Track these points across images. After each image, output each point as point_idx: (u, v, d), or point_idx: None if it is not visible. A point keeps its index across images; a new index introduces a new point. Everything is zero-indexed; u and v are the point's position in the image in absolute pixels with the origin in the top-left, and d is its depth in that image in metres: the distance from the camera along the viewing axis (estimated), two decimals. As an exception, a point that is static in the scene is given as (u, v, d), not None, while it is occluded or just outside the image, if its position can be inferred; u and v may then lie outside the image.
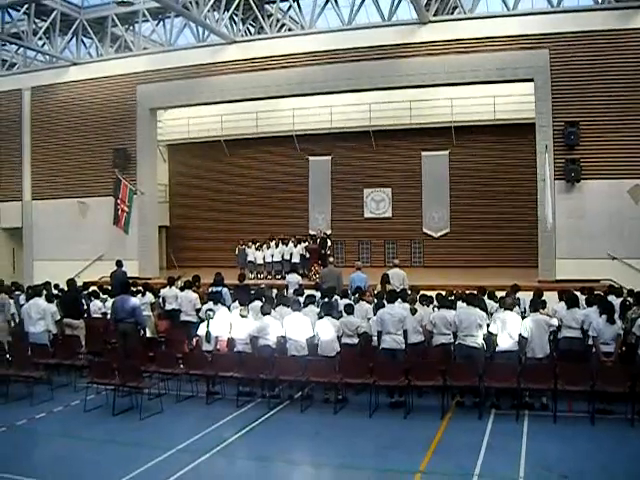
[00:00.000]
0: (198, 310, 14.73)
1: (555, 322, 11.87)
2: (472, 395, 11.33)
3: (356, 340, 12.46)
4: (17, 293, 16.22)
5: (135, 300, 13.63)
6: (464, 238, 27.69)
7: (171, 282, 16.45)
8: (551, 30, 21.17)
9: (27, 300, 14.58)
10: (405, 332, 11.78)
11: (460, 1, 23.28)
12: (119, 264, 19.59)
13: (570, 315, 11.95)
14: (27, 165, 28.35)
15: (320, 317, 12.37)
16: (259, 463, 9.32)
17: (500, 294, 14.32)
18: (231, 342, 12.69)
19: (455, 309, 12.51)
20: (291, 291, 17.35)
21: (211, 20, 24.11)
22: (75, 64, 27.55)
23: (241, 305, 13.11)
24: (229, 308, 13.92)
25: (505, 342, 11.31)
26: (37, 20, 26.02)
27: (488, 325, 11.57)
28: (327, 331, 12.04)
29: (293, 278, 19.86)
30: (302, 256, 24.49)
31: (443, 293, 14.23)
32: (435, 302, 13.50)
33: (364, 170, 29.18)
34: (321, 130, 28.99)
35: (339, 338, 12.22)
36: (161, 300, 16.21)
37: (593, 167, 20.82)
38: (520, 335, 11.18)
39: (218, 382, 12.49)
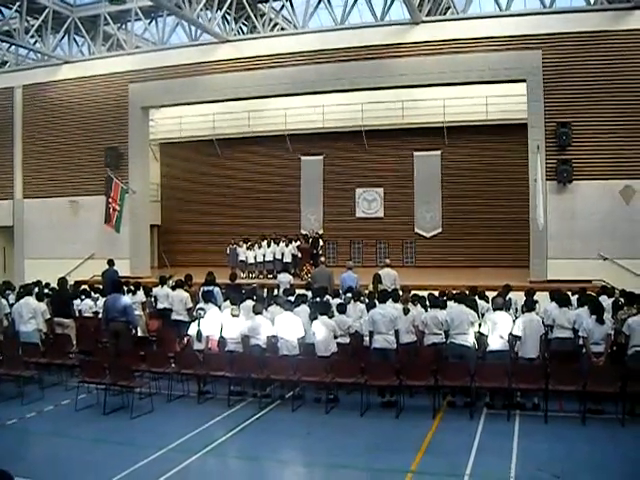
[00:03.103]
0: (189, 309, 14.71)
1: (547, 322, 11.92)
2: (463, 395, 11.34)
3: (348, 339, 12.48)
4: (7, 292, 16.17)
5: (126, 299, 13.57)
6: (456, 238, 27.76)
7: (163, 281, 16.43)
8: (544, 31, 21.23)
9: (18, 299, 14.53)
10: (397, 332, 11.78)
11: (453, 1, 23.33)
12: (110, 263, 19.55)
13: (562, 315, 12.01)
14: (18, 163, 28.25)
15: (314, 318, 12.32)
16: (250, 462, 9.32)
17: (492, 294, 14.31)
18: (222, 341, 12.66)
19: (446, 308, 12.52)
20: (282, 291, 17.33)
21: (204, 19, 24.07)
22: (67, 62, 27.48)
23: (232, 304, 13.08)
24: (220, 307, 13.88)
25: (496, 343, 11.32)
26: (29, 18, 25.94)
27: (479, 325, 11.60)
28: (323, 331, 12.03)
29: (284, 278, 19.85)
30: (294, 256, 24.51)
31: (435, 293, 14.27)
32: (427, 302, 13.50)
33: (356, 170, 29.23)
34: (313, 130, 29.00)
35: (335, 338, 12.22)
36: (152, 299, 16.19)
37: (585, 168, 20.88)
38: (512, 334, 11.21)
39: (209, 381, 12.48)
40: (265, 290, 18.50)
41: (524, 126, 21.93)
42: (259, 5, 26.67)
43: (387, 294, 12.91)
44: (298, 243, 24.68)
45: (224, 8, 24.75)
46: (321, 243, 24.49)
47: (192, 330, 12.82)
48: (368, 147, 28.91)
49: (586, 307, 12.00)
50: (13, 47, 29.37)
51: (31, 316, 13.44)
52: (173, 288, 15.73)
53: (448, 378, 10.94)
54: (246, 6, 25.18)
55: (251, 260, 25.48)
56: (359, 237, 29.48)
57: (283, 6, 26.53)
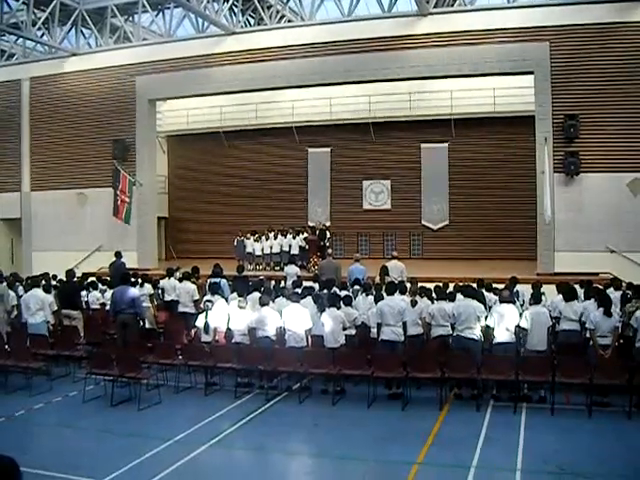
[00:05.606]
0: (196, 301, 14.74)
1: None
2: (470, 387, 11.35)
3: (354, 331, 12.49)
4: (15, 284, 16.21)
5: (134, 291, 13.62)
6: (463, 230, 27.72)
7: (170, 273, 16.46)
8: (551, 23, 21.11)
9: (25, 291, 14.58)
10: (404, 324, 11.79)
11: (460, -7, 23.23)
12: (118, 255, 19.59)
13: (569, 308, 12.00)
14: (26, 156, 28.30)
15: (323, 309, 12.32)
16: (257, 454, 9.34)
17: (499, 286, 14.30)
18: (229, 333, 12.69)
19: (454, 301, 12.50)
20: (289, 282, 17.35)
21: (210, 11, 24.02)
22: (74, 55, 27.47)
23: (239, 296, 13.11)
24: (227, 299, 13.90)
25: (502, 335, 11.31)
26: (36, 10, 25.90)
27: (486, 318, 11.58)
28: (331, 322, 12.04)
29: (292, 269, 19.85)
30: (301, 248, 24.50)
31: (442, 285, 14.26)
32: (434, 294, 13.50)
33: (363, 162, 29.19)
34: (320, 122, 28.98)
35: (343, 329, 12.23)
36: (160, 291, 16.21)
37: (592, 160, 20.78)
38: (518, 326, 11.21)
39: (216, 373, 12.53)
40: (272, 282, 18.51)
41: (532, 118, 21.83)
42: (266, -3, 26.65)
43: (394, 286, 12.91)
44: (305, 235, 24.65)
45: (231, 0, 24.70)
46: (328, 235, 24.46)
47: (200, 322, 12.85)
48: (375, 139, 28.86)
49: (593, 300, 11.99)
50: (20, 39, 29.28)
51: (39, 308, 13.48)
52: (180, 280, 15.77)
53: (455, 370, 10.95)
54: (253, -2, 25.17)
55: (258, 252, 25.49)
56: (366, 229, 29.45)
57: (290, -2, 26.50)
